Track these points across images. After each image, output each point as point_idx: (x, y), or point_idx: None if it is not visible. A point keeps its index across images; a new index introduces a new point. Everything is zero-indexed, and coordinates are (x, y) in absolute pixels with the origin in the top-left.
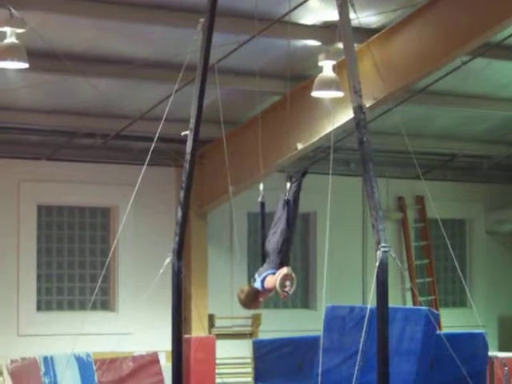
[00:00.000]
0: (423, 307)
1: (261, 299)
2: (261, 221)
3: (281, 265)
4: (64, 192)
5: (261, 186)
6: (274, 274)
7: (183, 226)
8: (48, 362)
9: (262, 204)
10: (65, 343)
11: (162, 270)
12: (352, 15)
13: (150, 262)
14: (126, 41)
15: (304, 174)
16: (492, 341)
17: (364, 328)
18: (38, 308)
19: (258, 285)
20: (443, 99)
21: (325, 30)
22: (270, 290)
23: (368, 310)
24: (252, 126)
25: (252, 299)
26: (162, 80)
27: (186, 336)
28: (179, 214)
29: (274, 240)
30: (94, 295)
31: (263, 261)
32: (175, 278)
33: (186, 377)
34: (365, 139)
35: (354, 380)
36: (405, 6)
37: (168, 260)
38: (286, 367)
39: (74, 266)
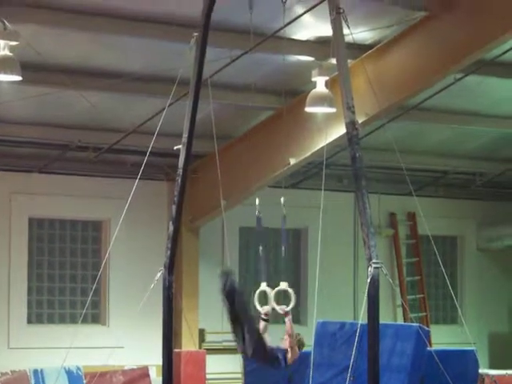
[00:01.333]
0: (414, 324)
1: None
2: (256, 235)
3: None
4: (56, 205)
5: (257, 201)
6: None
7: (175, 240)
8: (38, 375)
9: (258, 219)
10: (55, 356)
11: (153, 285)
12: (346, 31)
13: (141, 276)
14: (119, 54)
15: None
16: (483, 358)
17: (355, 344)
18: (29, 321)
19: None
20: (436, 116)
21: (319, 46)
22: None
23: (359, 326)
24: (245, 140)
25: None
26: (155, 94)
27: (176, 350)
28: (171, 228)
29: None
30: (84, 309)
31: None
32: (166, 293)
33: None
34: (357, 155)
35: None
36: (398, 22)
37: (159, 274)
38: (275, 383)
39: (65, 280)
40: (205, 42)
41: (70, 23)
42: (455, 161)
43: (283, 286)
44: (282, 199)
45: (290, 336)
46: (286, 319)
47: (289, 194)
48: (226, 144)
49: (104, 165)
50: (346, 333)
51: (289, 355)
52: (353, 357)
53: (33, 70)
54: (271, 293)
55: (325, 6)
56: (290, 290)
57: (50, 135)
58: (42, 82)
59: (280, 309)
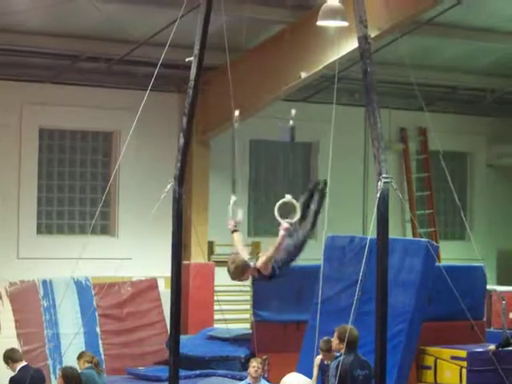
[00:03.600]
0: (423, 239)
1: (250, 274)
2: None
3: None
4: (66, 116)
5: (292, 112)
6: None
7: (185, 152)
8: (47, 285)
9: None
10: (64, 267)
11: (162, 196)
12: None
13: (151, 188)
14: None
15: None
16: (491, 274)
17: (364, 258)
18: (38, 231)
19: (251, 261)
20: (448, 31)
21: None
22: (258, 270)
23: (368, 241)
24: (256, 53)
25: (240, 272)
26: (167, 5)
27: (185, 262)
28: (181, 140)
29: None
30: (94, 220)
31: None
32: (176, 204)
33: (184, 303)
34: (369, 70)
35: (352, 309)
36: None
37: (169, 186)
38: (284, 296)
39: (75, 190)
40: None
41: None
42: (467, 77)
43: (287, 198)
44: (292, 111)
45: (276, 249)
46: (282, 231)
47: (300, 108)
48: (237, 57)
49: (115, 76)
50: (355, 247)
51: (258, 263)
52: (361, 271)
53: None
54: (276, 205)
55: None
56: (295, 202)
57: (63, 45)
58: None
59: (285, 221)
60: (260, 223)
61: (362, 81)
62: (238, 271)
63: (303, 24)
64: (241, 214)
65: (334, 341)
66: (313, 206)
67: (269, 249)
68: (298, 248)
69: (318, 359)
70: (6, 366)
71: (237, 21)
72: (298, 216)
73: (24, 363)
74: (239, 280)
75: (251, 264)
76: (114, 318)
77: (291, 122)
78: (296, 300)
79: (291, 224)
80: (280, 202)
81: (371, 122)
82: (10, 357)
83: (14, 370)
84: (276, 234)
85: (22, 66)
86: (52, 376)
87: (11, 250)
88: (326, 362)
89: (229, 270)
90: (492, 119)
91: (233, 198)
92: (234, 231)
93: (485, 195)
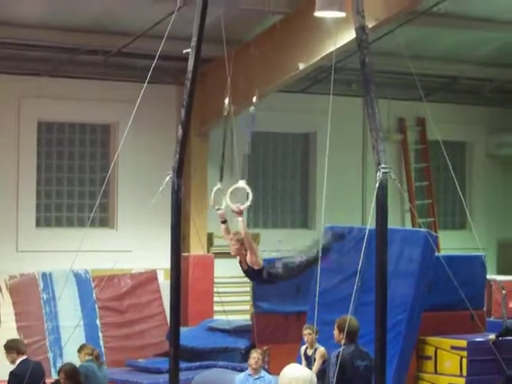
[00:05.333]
0: (422, 229)
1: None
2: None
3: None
4: (65, 109)
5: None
6: None
7: (183, 144)
8: (46, 278)
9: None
10: (63, 260)
11: (161, 188)
12: None
13: (150, 180)
14: None
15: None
16: (491, 264)
17: (363, 249)
18: (37, 224)
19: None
20: (446, 21)
21: None
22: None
23: (367, 231)
24: (254, 45)
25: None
26: None
27: (184, 254)
28: (180, 132)
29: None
30: (93, 212)
31: None
32: (175, 196)
33: (184, 295)
34: (367, 60)
35: (352, 300)
36: None
37: (168, 178)
38: (284, 287)
39: (73, 183)
40: None
41: None
42: (465, 66)
43: (240, 184)
44: (254, 98)
45: (246, 237)
46: (239, 219)
47: (298, 99)
48: (235, 48)
49: (113, 68)
50: (354, 238)
51: (247, 258)
52: (360, 262)
53: None
54: (227, 191)
55: None
56: (247, 188)
57: (60, 38)
58: None
59: (236, 207)
60: (259, 215)
61: (360, 71)
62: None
63: (300, 15)
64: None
65: (335, 332)
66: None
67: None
68: (297, 270)
69: (302, 349)
70: (6, 354)
71: (235, 12)
72: (249, 202)
73: (24, 357)
74: (237, 254)
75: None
76: (114, 311)
77: (252, 109)
78: (296, 291)
79: (241, 209)
80: (232, 187)
81: (369, 112)
82: (17, 348)
83: (13, 362)
84: (275, 226)
85: (19, 59)
86: (52, 369)
87: (10, 243)
88: (308, 352)
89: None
90: (491, 109)
91: (217, 185)
92: (224, 222)
93: (484, 185)
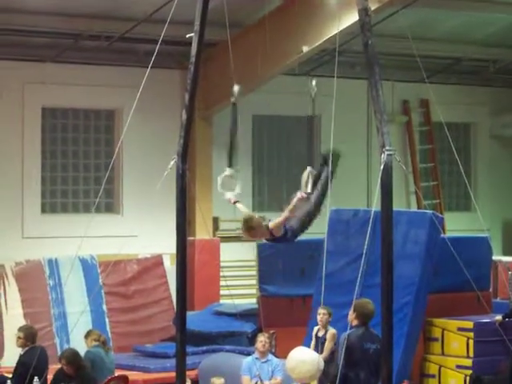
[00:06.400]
0: (428, 211)
1: (260, 235)
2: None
3: None
4: (69, 94)
5: (313, 82)
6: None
7: (188, 128)
8: (52, 264)
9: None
10: (69, 246)
11: (166, 173)
12: None
13: (155, 165)
14: None
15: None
16: (496, 245)
17: (368, 231)
18: (43, 210)
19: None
20: (449, 2)
21: None
22: (271, 232)
23: (372, 213)
24: (257, 28)
25: (251, 227)
26: None
27: (190, 238)
28: (184, 116)
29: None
30: (98, 197)
31: None
32: (179, 181)
33: (191, 279)
34: (370, 42)
35: (357, 283)
36: None
37: (172, 162)
38: (290, 270)
39: (78, 169)
40: None
41: None
42: (469, 47)
43: (228, 172)
44: (313, 81)
45: (290, 211)
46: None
47: (301, 82)
48: (238, 31)
49: (116, 54)
50: (360, 220)
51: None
52: (366, 244)
53: None
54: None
55: None
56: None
57: (63, 24)
58: None
59: (301, 192)
60: (263, 198)
61: (364, 53)
62: (252, 225)
63: None
64: (238, 188)
65: (350, 311)
66: (323, 177)
67: (282, 214)
68: (310, 216)
69: (315, 329)
70: (19, 339)
71: None
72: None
73: (33, 345)
74: (248, 235)
75: (264, 224)
76: (121, 296)
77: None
78: (301, 274)
79: (306, 195)
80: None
81: (373, 94)
82: (32, 336)
83: (22, 346)
84: (280, 209)
85: (23, 45)
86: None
87: (16, 229)
88: (319, 334)
89: (244, 223)
90: (495, 89)
91: (227, 171)
92: (235, 202)
93: (489, 166)
